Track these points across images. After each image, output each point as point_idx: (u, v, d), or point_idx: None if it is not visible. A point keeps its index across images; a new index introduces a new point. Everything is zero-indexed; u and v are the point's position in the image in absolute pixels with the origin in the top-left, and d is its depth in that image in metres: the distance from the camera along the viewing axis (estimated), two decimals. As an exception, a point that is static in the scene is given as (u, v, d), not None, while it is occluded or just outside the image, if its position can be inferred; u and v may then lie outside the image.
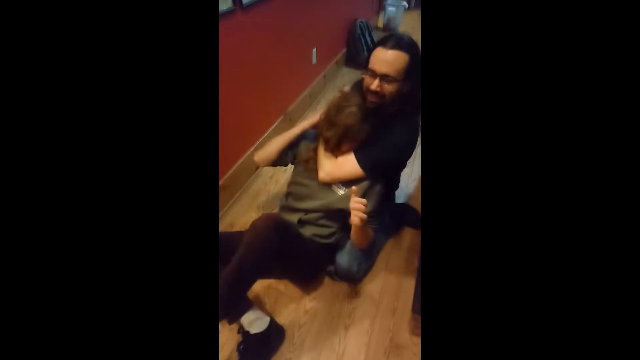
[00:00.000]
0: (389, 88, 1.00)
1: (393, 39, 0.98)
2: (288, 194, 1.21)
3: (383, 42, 0.99)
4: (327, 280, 1.23)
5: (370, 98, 1.02)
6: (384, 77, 0.98)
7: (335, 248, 1.18)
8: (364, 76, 1.04)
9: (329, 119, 1.02)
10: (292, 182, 1.20)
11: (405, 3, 3.54)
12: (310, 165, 1.14)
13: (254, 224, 0.93)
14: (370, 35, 2.78)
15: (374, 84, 0.99)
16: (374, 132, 1.04)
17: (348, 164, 1.05)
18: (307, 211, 1.12)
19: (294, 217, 1.13)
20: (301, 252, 1.08)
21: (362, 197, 1.06)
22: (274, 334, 1.03)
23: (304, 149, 1.17)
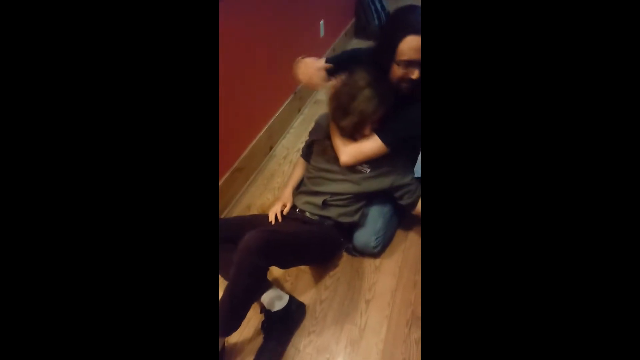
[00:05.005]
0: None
1: (418, 22, 0.89)
2: (307, 178, 1.20)
3: (414, 30, 0.89)
4: (346, 257, 1.24)
5: (406, 85, 0.98)
6: (419, 63, 0.93)
7: (353, 225, 1.17)
8: (397, 68, 0.96)
9: (342, 108, 0.99)
10: (311, 167, 1.19)
11: (416, -36, 3.34)
12: (328, 153, 1.13)
13: (242, 246, 0.88)
14: (380, 2, 2.65)
15: (416, 74, 0.94)
16: (391, 109, 1.01)
17: (371, 143, 1.04)
18: (333, 194, 1.11)
19: (317, 200, 1.12)
20: (308, 247, 1.07)
21: (388, 172, 1.08)
22: (295, 310, 1.05)
23: (318, 131, 1.19)
